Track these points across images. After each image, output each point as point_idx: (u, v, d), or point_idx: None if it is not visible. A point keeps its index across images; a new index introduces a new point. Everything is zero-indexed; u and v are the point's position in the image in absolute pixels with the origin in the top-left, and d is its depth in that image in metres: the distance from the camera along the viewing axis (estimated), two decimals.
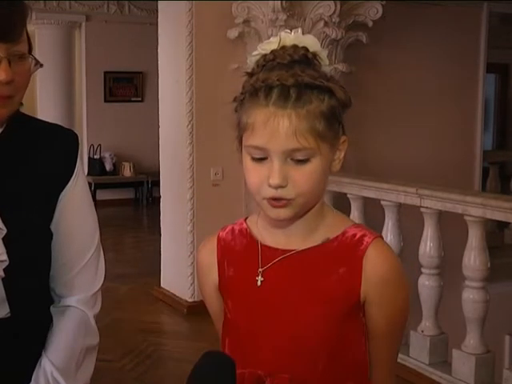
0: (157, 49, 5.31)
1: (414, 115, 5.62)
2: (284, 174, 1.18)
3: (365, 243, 1.26)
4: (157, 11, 5.36)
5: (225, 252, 1.34)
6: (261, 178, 1.19)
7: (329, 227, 1.29)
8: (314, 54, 1.24)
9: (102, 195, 9.81)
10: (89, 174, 9.73)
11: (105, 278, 1.51)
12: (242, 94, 1.22)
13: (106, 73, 9.94)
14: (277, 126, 1.16)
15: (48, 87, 9.32)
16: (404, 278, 1.31)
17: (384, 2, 4.70)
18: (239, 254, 1.32)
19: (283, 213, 1.21)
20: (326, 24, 4.57)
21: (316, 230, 1.28)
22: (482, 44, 6.01)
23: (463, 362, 3.50)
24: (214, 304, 1.39)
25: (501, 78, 11.35)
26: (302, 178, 1.19)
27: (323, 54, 1.26)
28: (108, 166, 9.89)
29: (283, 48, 1.22)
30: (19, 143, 1.38)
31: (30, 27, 9.53)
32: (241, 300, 1.31)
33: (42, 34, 9.54)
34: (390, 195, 3.89)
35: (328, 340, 1.26)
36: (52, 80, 9.48)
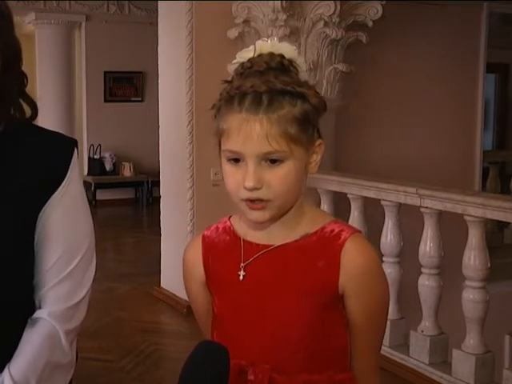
0: (157, 49, 5.31)
1: (413, 115, 5.61)
2: (258, 176, 1.24)
3: (342, 238, 1.31)
4: (157, 11, 5.36)
5: (209, 249, 1.40)
6: (237, 181, 1.26)
7: (309, 223, 1.34)
8: (291, 61, 1.29)
9: (102, 195, 9.81)
10: (89, 173, 9.75)
11: (98, 283, 1.47)
12: (219, 100, 1.29)
13: (105, 73, 9.93)
14: (249, 131, 1.22)
15: (48, 87, 9.32)
16: (381, 271, 1.37)
17: (384, 2, 4.69)
18: (223, 250, 1.38)
19: (261, 215, 1.27)
20: (325, 24, 4.57)
21: (296, 227, 1.33)
22: (482, 44, 6.01)
23: (463, 362, 3.50)
24: (200, 301, 1.44)
25: (501, 77, 11.35)
26: (276, 180, 1.24)
27: (300, 61, 1.32)
28: (108, 166, 9.88)
29: (260, 56, 1.28)
30: (9, 147, 1.36)
31: (30, 27, 9.55)
32: (225, 295, 1.37)
33: (41, 33, 9.55)
34: (390, 195, 3.89)
35: (308, 331, 1.32)
36: (52, 80, 9.48)
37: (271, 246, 1.33)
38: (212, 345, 1.24)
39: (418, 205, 3.70)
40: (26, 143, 1.38)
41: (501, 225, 6.60)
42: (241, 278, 1.33)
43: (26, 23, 9.56)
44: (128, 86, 10.17)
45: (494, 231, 6.62)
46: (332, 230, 1.32)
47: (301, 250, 1.32)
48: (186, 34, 4.82)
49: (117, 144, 9.92)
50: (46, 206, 1.36)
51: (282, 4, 4.45)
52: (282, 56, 1.28)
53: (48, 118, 9.51)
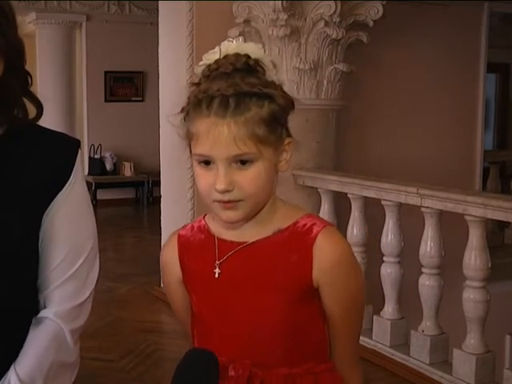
0: (157, 48, 5.31)
1: (414, 115, 5.61)
2: (229, 178, 1.26)
3: (314, 231, 1.33)
4: (157, 11, 5.35)
5: (185, 248, 1.42)
6: (209, 183, 1.28)
7: (281, 219, 1.36)
8: (257, 61, 1.30)
9: (103, 195, 9.81)
10: (89, 173, 9.74)
11: (98, 283, 1.46)
12: (187, 104, 1.30)
13: (106, 72, 9.93)
14: (217, 135, 1.24)
15: (48, 87, 9.31)
16: (354, 263, 1.39)
17: (385, 2, 4.69)
18: (198, 249, 1.40)
19: (234, 215, 1.29)
20: (326, 24, 4.57)
21: (269, 223, 1.36)
22: (483, 44, 6.01)
23: (464, 362, 3.50)
24: (180, 299, 1.46)
25: (501, 77, 11.34)
26: (247, 181, 1.27)
27: (266, 60, 1.32)
28: (108, 166, 9.88)
29: (226, 57, 1.29)
30: (13, 147, 1.36)
31: (31, 27, 9.55)
32: (202, 293, 1.39)
33: (42, 33, 9.55)
34: (391, 195, 3.89)
35: (285, 325, 1.34)
36: (52, 80, 9.48)
37: (245, 243, 1.35)
38: (200, 352, 1.27)
39: (419, 205, 3.70)
40: (29, 144, 1.38)
41: (501, 225, 6.60)
42: (216, 275, 1.35)
43: (27, 23, 9.55)
44: (128, 85, 10.17)
45: (495, 231, 6.62)
46: (304, 225, 1.34)
47: (274, 245, 1.34)
48: (187, 34, 4.82)
49: (117, 144, 9.92)
50: (50, 206, 1.36)
51: (282, 4, 4.45)
52: (247, 56, 1.29)
53: (48, 118, 9.42)
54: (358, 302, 1.40)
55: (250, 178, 1.26)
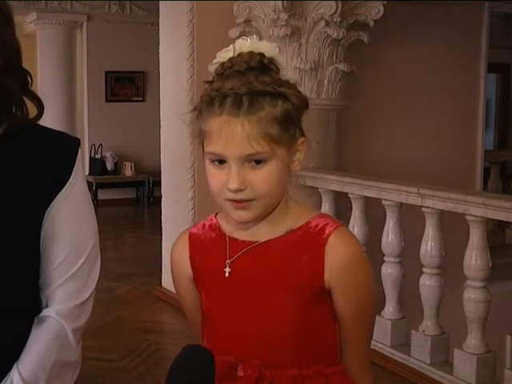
0: (158, 48, 5.31)
1: (414, 115, 5.61)
2: (242, 177, 1.24)
3: (327, 232, 1.32)
4: (158, 11, 5.36)
5: (196, 246, 1.41)
6: (221, 182, 1.26)
7: (293, 219, 1.35)
8: (271, 60, 1.29)
9: (103, 195, 9.81)
10: (90, 173, 9.74)
11: (99, 283, 1.46)
12: (200, 102, 1.29)
13: (107, 72, 9.93)
14: (231, 134, 1.23)
15: (49, 87, 9.31)
16: (366, 264, 1.37)
17: (385, 2, 4.69)
18: (209, 247, 1.39)
19: (245, 215, 1.28)
20: (327, 24, 4.57)
21: (281, 223, 1.34)
22: (483, 44, 6.01)
23: (464, 362, 3.50)
24: (189, 298, 1.45)
25: (502, 77, 11.33)
26: (259, 181, 1.25)
27: (280, 59, 1.32)
28: (109, 166, 9.88)
29: (240, 55, 1.28)
30: (13, 147, 1.36)
31: (32, 27, 9.55)
32: (212, 291, 1.38)
33: (43, 33, 9.55)
34: (392, 195, 3.89)
35: (296, 325, 1.33)
36: (53, 80, 9.48)
37: (256, 242, 1.33)
38: (196, 349, 1.26)
39: (420, 204, 3.70)
40: (29, 143, 1.38)
41: (502, 224, 6.61)
42: (226, 274, 1.34)
43: (28, 23, 9.56)
44: (129, 85, 10.17)
45: (496, 231, 6.62)
46: (316, 225, 1.33)
47: (286, 245, 1.32)
48: (187, 34, 4.82)
49: (118, 144, 9.92)
50: (51, 205, 1.36)
51: (283, 4, 4.45)
52: (262, 55, 1.28)
53: (49, 118, 9.40)
54: (369, 302, 1.38)
55: (262, 178, 1.25)
